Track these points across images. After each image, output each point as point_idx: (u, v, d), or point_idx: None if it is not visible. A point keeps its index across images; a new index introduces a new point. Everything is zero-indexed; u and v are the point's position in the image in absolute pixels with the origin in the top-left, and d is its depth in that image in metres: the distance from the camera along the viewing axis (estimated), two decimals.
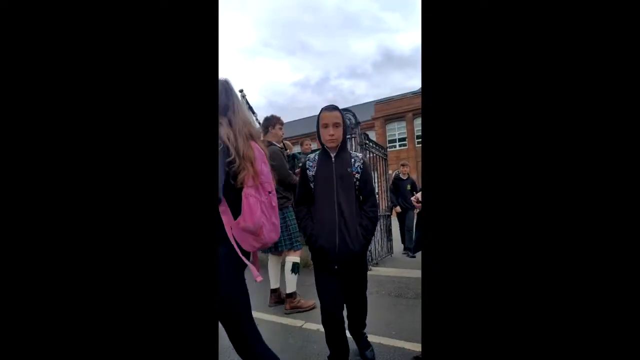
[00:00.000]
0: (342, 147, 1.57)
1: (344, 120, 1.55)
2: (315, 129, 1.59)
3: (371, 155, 4.49)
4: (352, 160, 1.57)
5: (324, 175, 1.55)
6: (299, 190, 1.67)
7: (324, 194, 1.53)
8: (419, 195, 1.87)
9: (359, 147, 4.11)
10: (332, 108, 1.54)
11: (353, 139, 4.19)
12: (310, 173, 1.59)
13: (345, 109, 4.53)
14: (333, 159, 1.55)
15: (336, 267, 1.50)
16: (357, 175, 1.55)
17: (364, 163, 1.58)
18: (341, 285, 1.55)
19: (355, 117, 4.28)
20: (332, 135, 1.51)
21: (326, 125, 1.52)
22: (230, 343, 1.12)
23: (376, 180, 4.78)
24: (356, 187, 1.54)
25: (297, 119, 28.71)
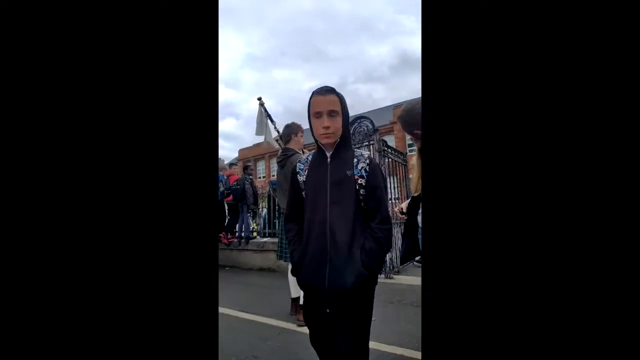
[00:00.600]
0: (342, 144, 1.17)
1: (343, 107, 1.15)
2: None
3: (389, 161, 4.46)
4: (355, 160, 1.15)
5: (316, 181, 1.17)
6: (288, 201, 1.29)
7: (314, 207, 1.14)
8: (403, 205, 1.64)
9: (377, 154, 4.10)
10: (326, 90, 1.14)
11: (371, 145, 4.18)
12: (301, 178, 1.22)
13: (362, 116, 4.55)
14: (329, 160, 1.16)
15: (328, 310, 1.08)
16: (362, 181, 1.13)
17: (370, 163, 1.16)
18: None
19: (373, 124, 4.28)
20: (327, 127, 1.11)
21: (319, 114, 1.12)
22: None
23: (396, 186, 4.74)
24: (360, 197, 1.13)
25: None
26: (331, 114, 1.12)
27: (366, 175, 1.14)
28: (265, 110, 3.42)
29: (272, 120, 3.41)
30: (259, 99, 3.44)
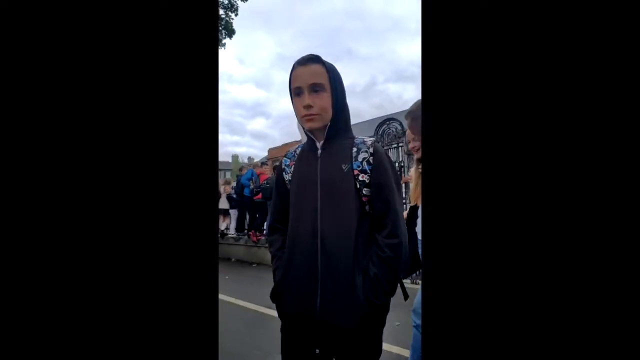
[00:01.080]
0: (336, 129, 0.87)
1: (333, 80, 0.85)
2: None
3: None
4: (354, 149, 0.86)
5: (303, 179, 0.89)
6: (272, 205, 1.02)
7: (300, 214, 0.87)
8: None
9: (406, 157, 4.04)
10: (307, 59, 0.85)
11: (400, 148, 4.13)
12: (287, 177, 0.93)
13: (391, 118, 4.49)
14: (319, 152, 0.88)
15: (317, 351, 0.84)
16: (364, 177, 0.84)
17: (375, 153, 0.86)
18: None
19: (402, 126, 4.21)
20: (309, 106, 0.83)
21: (299, 91, 0.85)
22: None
23: None
24: (363, 198, 0.85)
25: None
26: (314, 88, 0.83)
27: (369, 169, 0.84)
28: None
29: None
30: None
